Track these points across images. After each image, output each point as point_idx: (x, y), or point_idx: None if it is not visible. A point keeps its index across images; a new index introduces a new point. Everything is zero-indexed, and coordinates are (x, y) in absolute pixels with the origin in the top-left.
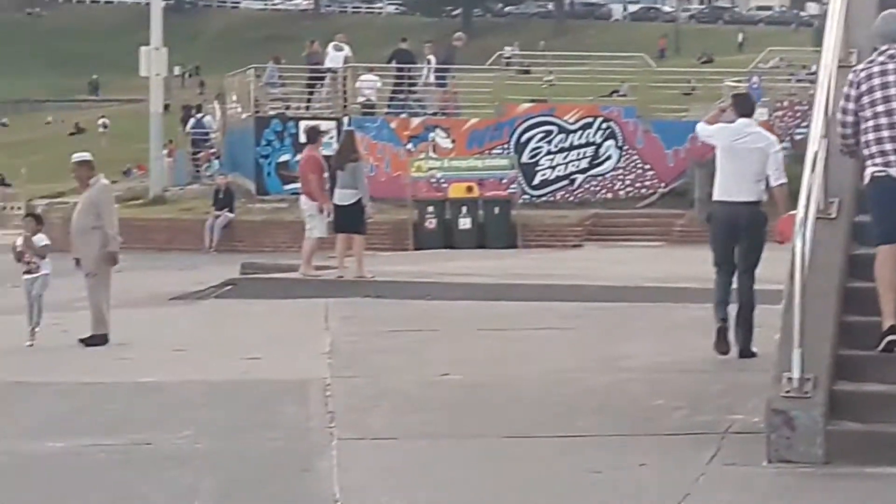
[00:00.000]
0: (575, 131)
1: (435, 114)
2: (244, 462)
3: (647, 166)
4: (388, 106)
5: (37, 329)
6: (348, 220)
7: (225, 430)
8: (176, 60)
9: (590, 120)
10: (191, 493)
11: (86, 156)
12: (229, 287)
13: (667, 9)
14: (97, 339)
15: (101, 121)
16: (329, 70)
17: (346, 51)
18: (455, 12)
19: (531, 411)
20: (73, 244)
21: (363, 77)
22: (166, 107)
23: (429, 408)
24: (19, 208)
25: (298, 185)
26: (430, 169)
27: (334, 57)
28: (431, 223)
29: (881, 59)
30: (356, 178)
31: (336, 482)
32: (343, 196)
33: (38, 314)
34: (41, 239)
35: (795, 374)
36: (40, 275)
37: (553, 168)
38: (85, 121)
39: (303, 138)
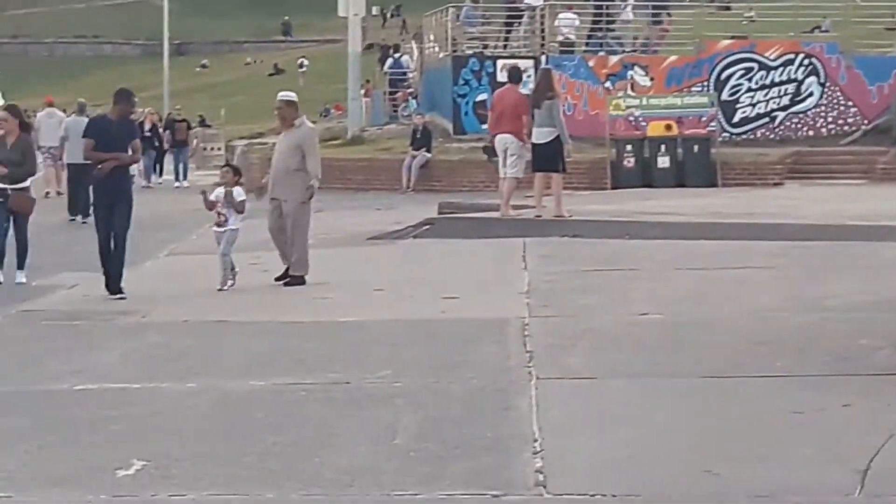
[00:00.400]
0: (776, 68)
1: (634, 51)
2: (443, 401)
3: (850, 103)
4: (586, 44)
5: (226, 286)
6: (546, 158)
7: (424, 369)
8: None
9: (791, 56)
10: (390, 432)
11: (291, 95)
12: (427, 227)
13: None
14: (297, 280)
15: (299, 60)
16: (527, 8)
17: None
18: None
19: (732, 351)
20: (272, 184)
21: (562, 15)
22: (370, 46)
23: (628, 347)
24: (219, 149)
25: None
26: (629, 107)
27: None
28: (630, 162)
29: None
30: (553, 117)
31: (535, 421)
32: (540, 134)
33: (227, 270)
34: (240, 193)
35: None
36: (228, 229)
37: (753, 105)
38: (284, 61)
39: (501, 77)
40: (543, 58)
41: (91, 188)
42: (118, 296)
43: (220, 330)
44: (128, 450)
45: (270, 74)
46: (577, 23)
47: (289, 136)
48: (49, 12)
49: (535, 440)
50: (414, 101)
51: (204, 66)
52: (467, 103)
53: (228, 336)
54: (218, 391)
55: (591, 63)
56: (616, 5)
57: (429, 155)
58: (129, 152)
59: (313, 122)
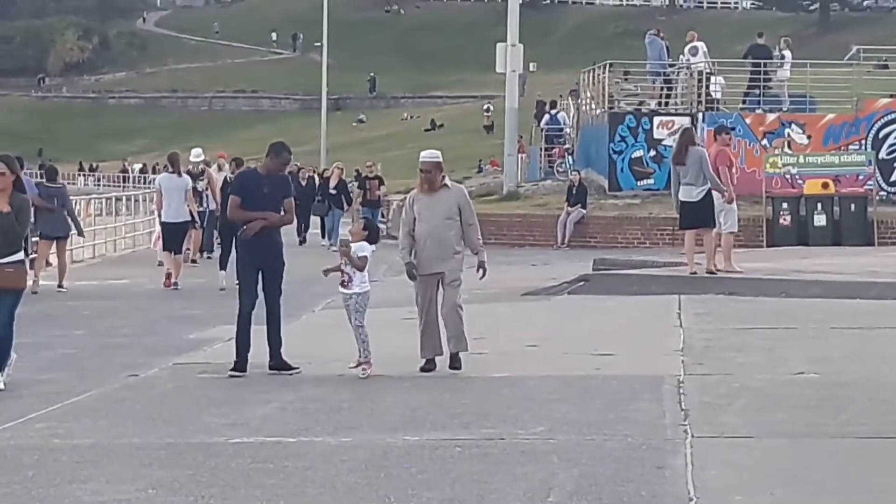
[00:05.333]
0: None
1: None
2: (598, 458)
3: None
4: (743, 101)
5: (364, 365)
6: (697, 214)
7: (579, 425)
8: (531, 57)
9: None
10: (545, 489)
11: (438, 155)
12: (582, 283)
13: None
14: (458, 361)
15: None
16: (685, 66)
17: (702, 47)
18: (812, 7)
19: (890, 411)
20: (424, 257)
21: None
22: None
23: (785, 406)
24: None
25: (651, 181)
26: (786, 165)
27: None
28: (786, 220)
29: None
30: (702, 171)
31: (691, 481)
32: (688, 192)
33: (363, 345)
34: (362, 247)
35: None
36: (353, 293)
37: None
38: (440, 117)
39: (657, 134)
40: (700, 115)
41: (236, 251)
42: (291, 371)
43: (375, 384)
44: None
45: (426, 130)
46: (723, 83)
47: (439, 200)
48: (208, 67)
49: (691, 499)
50: (570, 158)
51: (361, 121)
52: (623, 160)
53: (383, 390)
54: (373, 446)
55: (748, 120)
56: (774, 63)
57: (584, 211)
58: (282, 212)
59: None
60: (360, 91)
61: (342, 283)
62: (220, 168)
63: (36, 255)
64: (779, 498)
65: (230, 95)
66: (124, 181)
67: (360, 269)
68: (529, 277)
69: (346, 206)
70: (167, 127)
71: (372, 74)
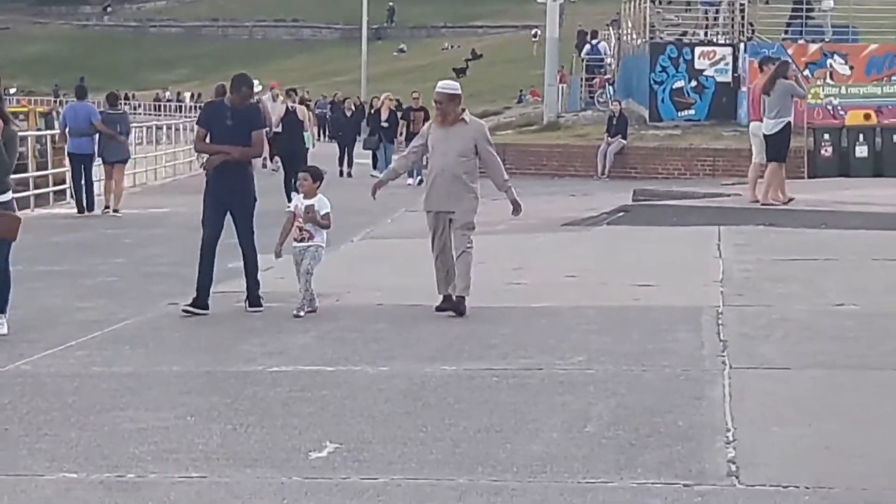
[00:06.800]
0: None
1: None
2: (636, 388)
3: None
4: (785, 31)
5: (303, 311)
6: (768, 146)
7: (617, 356)
8: None
9: None
10: (582, 419)
11: (455, 87)
12: (622, 213)
13: None
14: (462, 307)
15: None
16: None
17: None
18: None
19: None
20: (434, 194)
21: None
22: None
23: (823, 337)
24: None
25: (692, 112)
26: (827, 96)
27: None
28: (827, 151)
29: None
30: (780, 104)
31: (728, 411)
32: (766, 124)
33: (307, 294)
34: (323, 204)
35: None
36: (313, 244)
37: None
38: (480, 46)
39: (699, 65)
40: (742, 45)
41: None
42: (255, 309)
43: (414, 314)
44: (321, 432)
45: (467, 60)
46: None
47: (454, 135)
48: None
49: (728, 430)
50: (611, 88)
51: (402, 51)
52: (664, 90)
53: (422, 320)
54: (411, 375)
55: (790, 51)
56: None
57: (624, 141)
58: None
59: (506, 108)
60: (400, 21)
61: (301, 240)
62: (273, 98)
63: (103, 180)
64: (816, 429)
65: (271, 24)
66: (157, 110)
67: (328, 227)
68: (569, 208)
69: (398, 138)
70: (208, 56)
71: (391, 4)
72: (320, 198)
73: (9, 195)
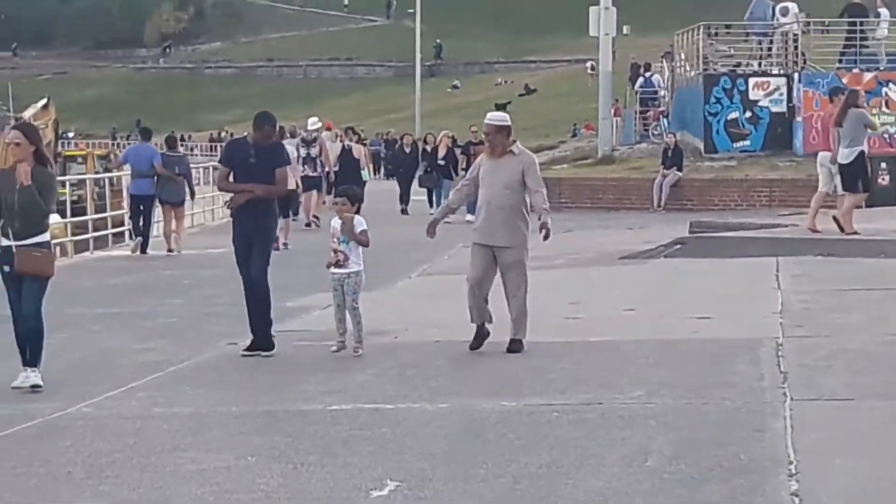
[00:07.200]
0: None
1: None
2: (696, 422)
3: None
4: (839, 60)
5: (361, 349)
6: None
7: (676, 389)
8: (624, 20)
9: None
10: (643, 453)
11: (504, 118)
12: (678, 246)
13: None
14: (518, 345)
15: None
16: (779, 26)
17: (793, 7)
18: None
19: None
20: (484, 226)
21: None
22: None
23: (885, 368)
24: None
25: (747, 143)
26: (884, 124)
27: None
28: (884, 179)
29: None
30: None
31: (790, 443)
32: (841, 154)
33: (358, 327)
34: (361, 222)
35: None
36: (350, 272)
37: None
38: (534, 81)
39: (753, 95)
40: (796, 75)
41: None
42: (267, 353)
43: (475, 351)
44: (381, 470)
45: (521, 94)
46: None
47: (502, 167)
48: (303, 36)
49: (791, 462)
50: (665, 120)
51: (455, 87)
52: (719, 121)
53: (480, 356)
54: (470, 412)
55: (844, 80)
56: (871, 22)
57: (680, 174)
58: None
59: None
60: (453, 57)
61: (336, 264)
62: (334, 138)
63: (161, 221)
64: (879, 461)
65: (325, 63)
66: (213, 150)
67: (366, 245)
68: (626, 241)
69: (454, 177)
70: (263, 96)
71: (438, 41)
72: (357, 218)
73: (46, 236)
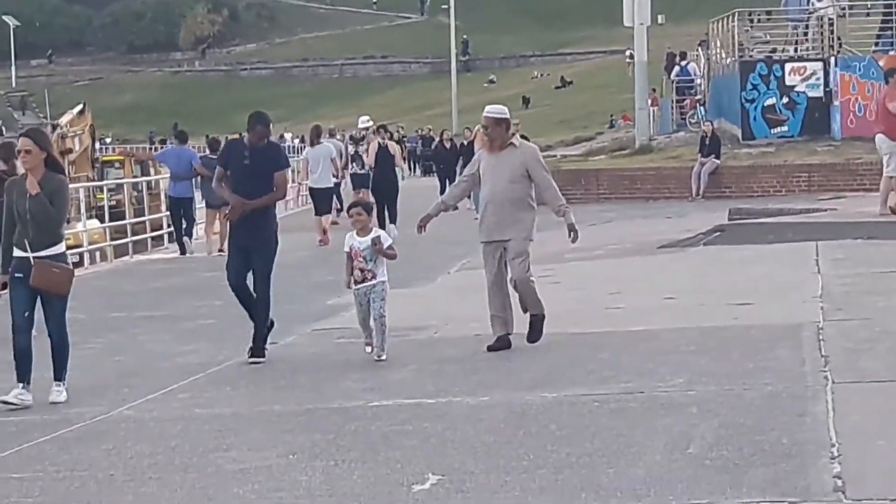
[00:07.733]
0: None
1: None
2: (738, 408)
3: None
4: (875, 43)
5: (384, 355)
6: None
7: (718, 375)
8: (658, 9)
9: None
10: (685, 440)
11: (503, 111)
12: (718, 233)
13: None
14: (539, 326)
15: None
16: (814, 11)
17: None
18: None
19: None
20: (489, 221)
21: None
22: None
23: None
24: None
25: (785, 128)
26: None
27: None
28: None
29: None
30: None
31: (832, 426)
32: None
33: (382, 338)
34: (385, 237)
35: None
36: (377, 282)
37: None
38: (569, 73)
39: (790, 81)
40: (832, 60)
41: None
42: (257, 359)
43: (513, 343)
44: (423, 464)
45: (557, 87)
46: None
47: (503, 160)
48: (337, 35)
49: (833, 445)
50: (702, 108)
51: (492, 82)
52: (756, 108)
53: (520, 349)
54: (511, 404)
55: (881, 62)
56: None
57: (718, 161)
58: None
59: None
60: (489, 52)
61: (363, 281)
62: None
63: (204, 223)
64: None
65: (360, 62)
66: None
67: (395, 258)
68: (665, 230)
69: None
70: (299, 96)
71: (465, 37)
72: (381, 232)
73: (62, 247)
